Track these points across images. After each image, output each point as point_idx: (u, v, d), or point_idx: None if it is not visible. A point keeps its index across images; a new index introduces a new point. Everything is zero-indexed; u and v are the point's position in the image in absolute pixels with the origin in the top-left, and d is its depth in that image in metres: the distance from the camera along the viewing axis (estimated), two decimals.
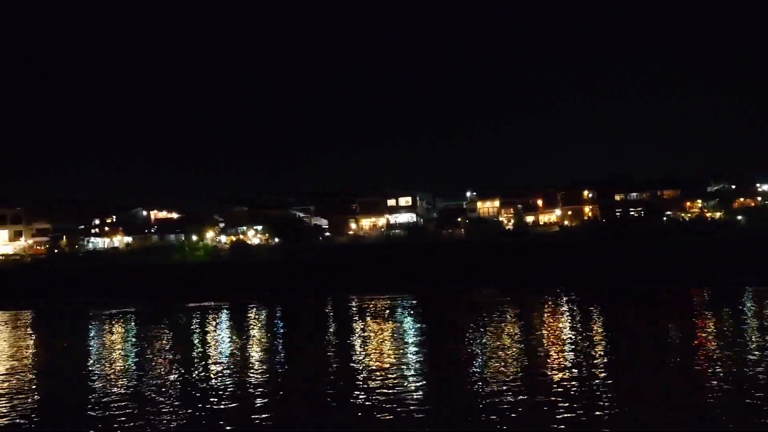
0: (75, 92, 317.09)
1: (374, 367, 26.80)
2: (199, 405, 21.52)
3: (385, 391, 22.35)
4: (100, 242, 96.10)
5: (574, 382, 23.35)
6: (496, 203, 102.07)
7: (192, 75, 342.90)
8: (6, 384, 26.22)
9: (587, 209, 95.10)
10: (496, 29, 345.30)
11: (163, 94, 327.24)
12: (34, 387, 25.93)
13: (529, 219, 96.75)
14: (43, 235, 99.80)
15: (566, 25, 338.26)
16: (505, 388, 22.51)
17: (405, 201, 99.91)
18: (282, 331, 42.86)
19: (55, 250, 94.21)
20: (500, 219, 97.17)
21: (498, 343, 32.54)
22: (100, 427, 19.58)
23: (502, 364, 26.95)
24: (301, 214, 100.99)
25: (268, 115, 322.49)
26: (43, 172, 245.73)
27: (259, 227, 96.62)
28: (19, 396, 23.91)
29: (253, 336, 39.33)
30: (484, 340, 33.51)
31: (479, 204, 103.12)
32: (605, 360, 28.00)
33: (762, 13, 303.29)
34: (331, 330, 41.80)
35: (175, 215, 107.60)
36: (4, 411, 21.54)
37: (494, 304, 52.55)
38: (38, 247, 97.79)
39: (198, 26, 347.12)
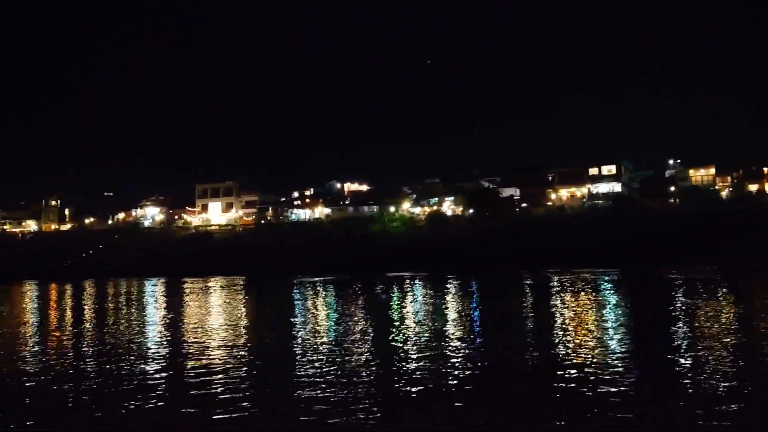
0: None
1: (575, 348, 25.64)
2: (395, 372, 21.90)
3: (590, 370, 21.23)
4: (302, 213, 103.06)
5: None
6: (712, 171, 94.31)
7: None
8: (223, 338, 28.82)
9: None
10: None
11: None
12: (243, 342, 28.20)
13: (753, 188, 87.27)
14: (250, 207, 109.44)
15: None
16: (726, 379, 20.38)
17: (608, 170, 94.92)
18: (478, 303, 42.87)
19: (262, 221, 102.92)
20: (715, 188, 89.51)
21: (716, 327, 29.66)
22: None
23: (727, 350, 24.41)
24: (488, 186, 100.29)
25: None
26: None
27: (451, 198, 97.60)
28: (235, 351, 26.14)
29: (448, 306, 39.66)
30: (697, 324, 30.71)
31: (691, 172, 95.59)
32: None
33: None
34: (529, 306, 41.00)
35: (365, 187, 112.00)
36: (224, 359, 23.43)
37: (709, 283, 48.27)
38: (247, 218, 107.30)
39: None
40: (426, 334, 28.94)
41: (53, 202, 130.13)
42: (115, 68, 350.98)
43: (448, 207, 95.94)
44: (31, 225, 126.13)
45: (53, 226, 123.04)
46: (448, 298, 45.06)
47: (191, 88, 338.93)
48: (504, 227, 79.18)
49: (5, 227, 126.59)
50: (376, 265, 71.67)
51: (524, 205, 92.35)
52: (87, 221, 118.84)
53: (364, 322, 33.85)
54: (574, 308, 36.77)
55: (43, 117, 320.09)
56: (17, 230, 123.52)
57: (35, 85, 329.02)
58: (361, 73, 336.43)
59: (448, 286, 53.56)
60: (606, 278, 54.79)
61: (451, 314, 36.20)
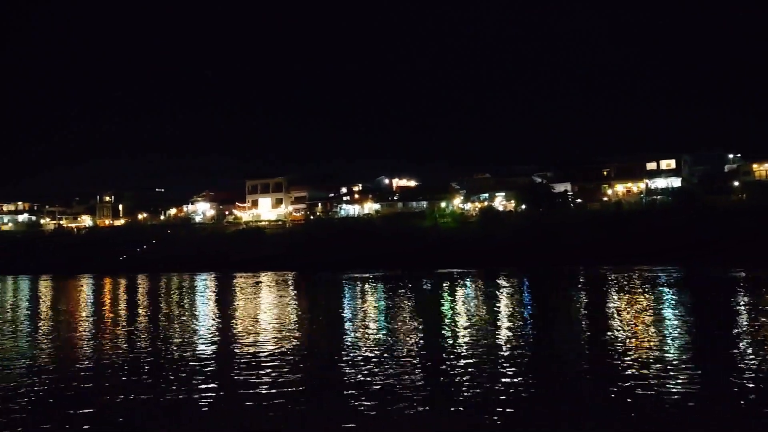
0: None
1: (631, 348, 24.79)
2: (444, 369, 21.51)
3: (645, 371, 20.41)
4: (351, 209, 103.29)
5: None
6: None
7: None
8: (273, 333, 28.89)
9: None
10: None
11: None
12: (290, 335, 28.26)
13: None
14: (300, 203, 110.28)
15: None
16: None
17: (667, 164, 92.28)
18: (532, 301, 42.07)
19: (311, 216, 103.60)
20: None
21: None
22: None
23: None
24: (541, 180, 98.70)
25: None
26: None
27: (502, 194, 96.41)
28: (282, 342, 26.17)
29: (500, 303, 38.95)
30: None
31: (754, 166, 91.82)
32: None
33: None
34: (583, 302, 39.99)
35: (413, 183, 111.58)
36: (274, 355, 23.43)
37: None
38: (296, 214, 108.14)
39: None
40: (477, 332, 28.28)
41: (107, 198, 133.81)
42: (167, 66, 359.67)
43: (500, 203, 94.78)
44: (86, 220, 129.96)
45: (107, 222, 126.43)
46: (501, 295, 44.34)
47: (241, 84, 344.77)
48: (558, 223, 77.77)
49: (62, 222, 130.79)
50: (427, 261, 71.26)
51: (579, 200, 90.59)
52: (140, 217, 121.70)
53: (414, 319, 33.49)
54: (631, 306, 35.62)
55: (97, 114, 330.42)
56: (73, 225, 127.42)
57: (88, 82, 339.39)
58: (407, 69, 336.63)
59: (500, 282, 52.79)
60: (667, 276, 53.19)
61: (503, 312, 35.53)
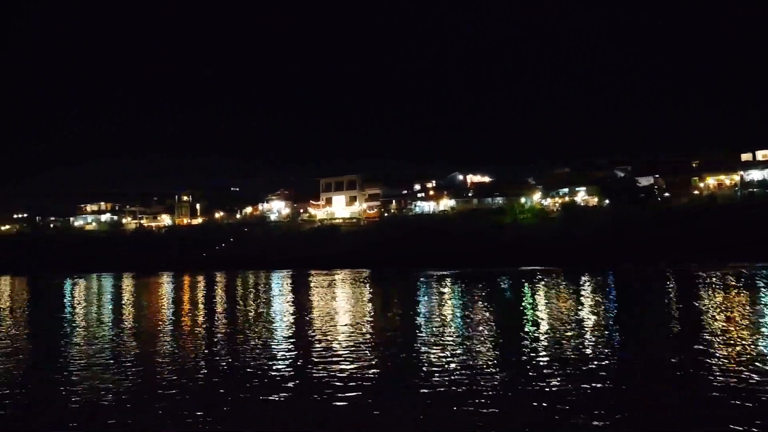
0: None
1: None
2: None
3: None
4: (426, 206, 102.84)
5: None
6: None
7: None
8: (348, 331, 28.82)
9: None
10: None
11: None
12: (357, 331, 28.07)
13: None
14: (374, 200, 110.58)
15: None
16: None
17: (763, 155, 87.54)
18: (617, 300, 40.56)
19: (386, 214, 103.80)
20: None
21: None
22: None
23: None
24: (621, 174, 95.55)
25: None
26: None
27: (583, 188, 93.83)
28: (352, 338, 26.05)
29: (583, 303, 37.66)
30: None
31: None
32: None
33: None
34: (674, 302, 38.20)
35: (487, 179, 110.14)
36: (349, 353, 23.28)
37: None
38: (370, 211, 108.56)
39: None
40: (558, 334, 27.31)
41: (185, 198, 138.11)
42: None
43: (581, 198, 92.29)
44: (165, 219, 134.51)
45: (185, 221, 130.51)
46: (585, 294, 43.04)
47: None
48: (645, 218, 75.04)
49: (142, 222, 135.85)
50: (505, 258, 70.09)
51: (666, 194, 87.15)
52: (217, 215, 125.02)
53: (491, 319, 32.83)
54: (728, 306, 33.82)
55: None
56: (153, 224, 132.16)
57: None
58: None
59: (584, 280, 51.32)
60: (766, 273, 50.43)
61: (587, 312, 34.32)
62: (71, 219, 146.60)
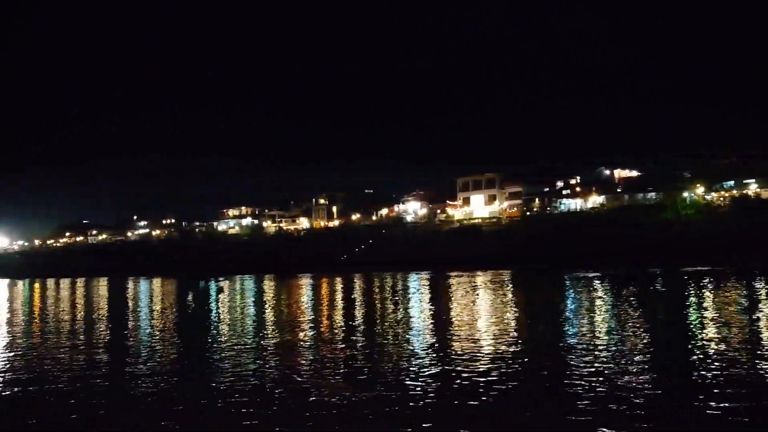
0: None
1: None
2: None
3: None
4: (571, 203, 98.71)
5: None
6: None
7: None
8: (491, 335, 27.28)
9: None
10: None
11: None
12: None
13: None
14: (515, 198, 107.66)
15: None
16: None
17: None
18: None
19: (528, 213, 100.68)
20: None
21: None
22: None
23: None
24: None
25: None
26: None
27: (751, 180, 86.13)
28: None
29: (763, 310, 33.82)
30: None
31: None
32: None
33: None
34: None
35: (635, 173, 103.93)
36: (491, 358, 21.84)
37: None
38: (511, 210, 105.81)
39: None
40: (732, 345, 24.02)
41: (322, 201, 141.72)
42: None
43: (753, 190, 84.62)
44: (303, 222, 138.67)
45: (322, 223, 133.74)
46: (762, 298, 38.81)
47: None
48: None
49: (281, 225, 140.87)
50: (665, 257, 65.41)
51: None
52: (353, 217, 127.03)
53: (649, 327, 30.25)
54: None
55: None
56: (292, 227, 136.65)
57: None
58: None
59: (758, 283, 46.55)
60: None
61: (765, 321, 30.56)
62: (215, 224, 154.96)
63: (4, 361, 25.98)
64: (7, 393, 20.14)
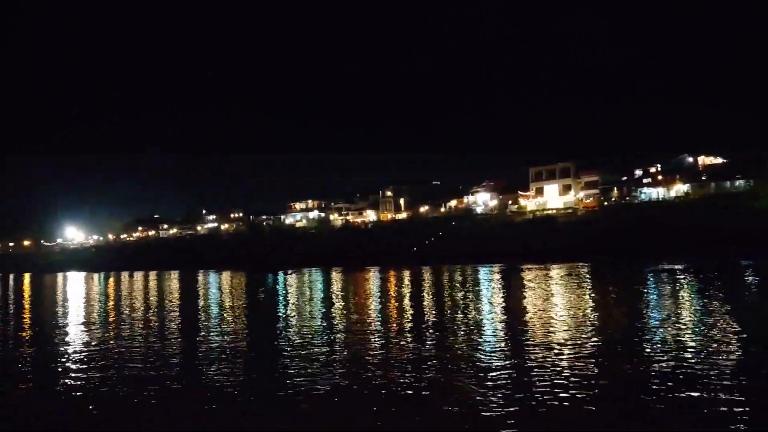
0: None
1: None
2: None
3: None
4: (653, 192, 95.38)
5: None
6: None
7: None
8: (566, 333, 26.35)
9: None
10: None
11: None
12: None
13: None
14: (591, 188, 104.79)
15: None
16: None
17: None
18: None
19: (605, 203, 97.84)
20: None
21: None
22: None
23: None
24: None
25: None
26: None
27: None
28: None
29: None
30: None
31: None
32: None
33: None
34: None
35: (719, 160, 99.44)
36: (567, 355, 21.03)
37: None
38: (587, 200, 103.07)
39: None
40: None
41: (388, 193, 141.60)
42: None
43: None
44: (370, 215, 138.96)
45: (389, 216, 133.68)
46: None
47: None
48: None
49: (348, 218, 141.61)
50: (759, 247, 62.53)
51: None
52: (421, 210, 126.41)
53: (738, 320, 28.54)
54: None
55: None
56: (358, 220, 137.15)
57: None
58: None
59: None
60: None
61: None
62: (282, 217, 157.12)
63: (84, 350, 26.90)
64: (85, 377, 20.64)
